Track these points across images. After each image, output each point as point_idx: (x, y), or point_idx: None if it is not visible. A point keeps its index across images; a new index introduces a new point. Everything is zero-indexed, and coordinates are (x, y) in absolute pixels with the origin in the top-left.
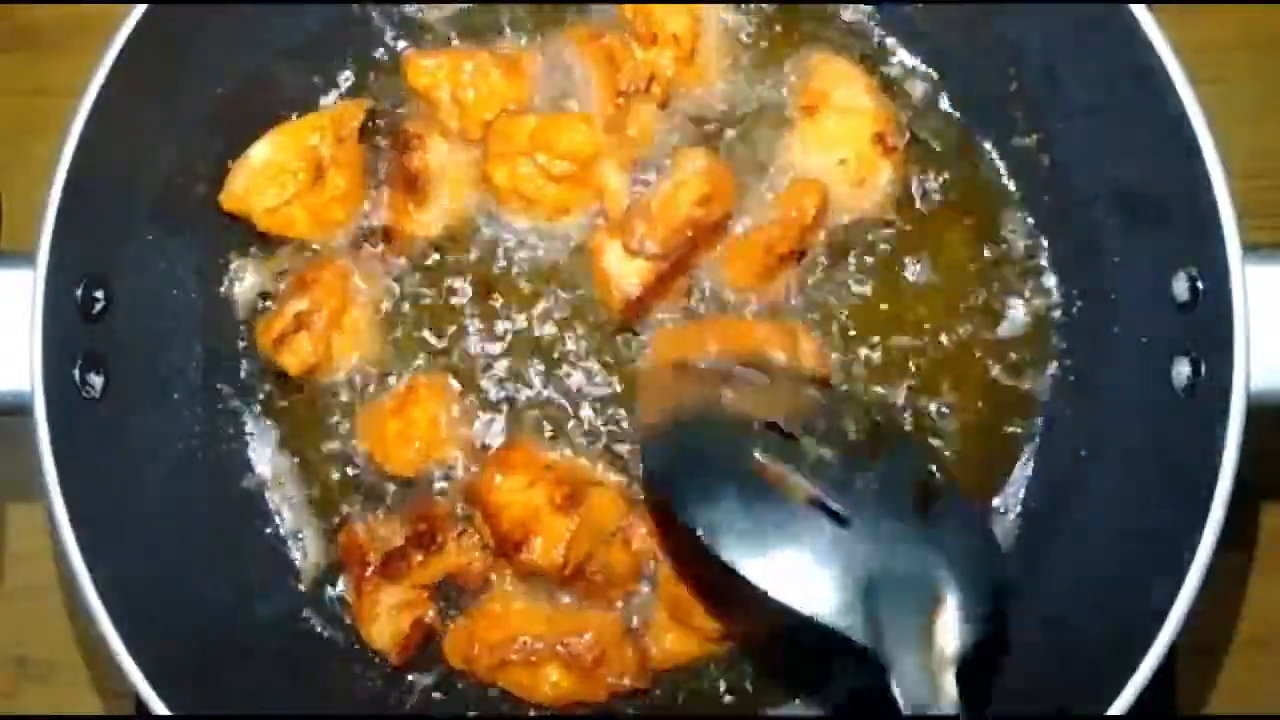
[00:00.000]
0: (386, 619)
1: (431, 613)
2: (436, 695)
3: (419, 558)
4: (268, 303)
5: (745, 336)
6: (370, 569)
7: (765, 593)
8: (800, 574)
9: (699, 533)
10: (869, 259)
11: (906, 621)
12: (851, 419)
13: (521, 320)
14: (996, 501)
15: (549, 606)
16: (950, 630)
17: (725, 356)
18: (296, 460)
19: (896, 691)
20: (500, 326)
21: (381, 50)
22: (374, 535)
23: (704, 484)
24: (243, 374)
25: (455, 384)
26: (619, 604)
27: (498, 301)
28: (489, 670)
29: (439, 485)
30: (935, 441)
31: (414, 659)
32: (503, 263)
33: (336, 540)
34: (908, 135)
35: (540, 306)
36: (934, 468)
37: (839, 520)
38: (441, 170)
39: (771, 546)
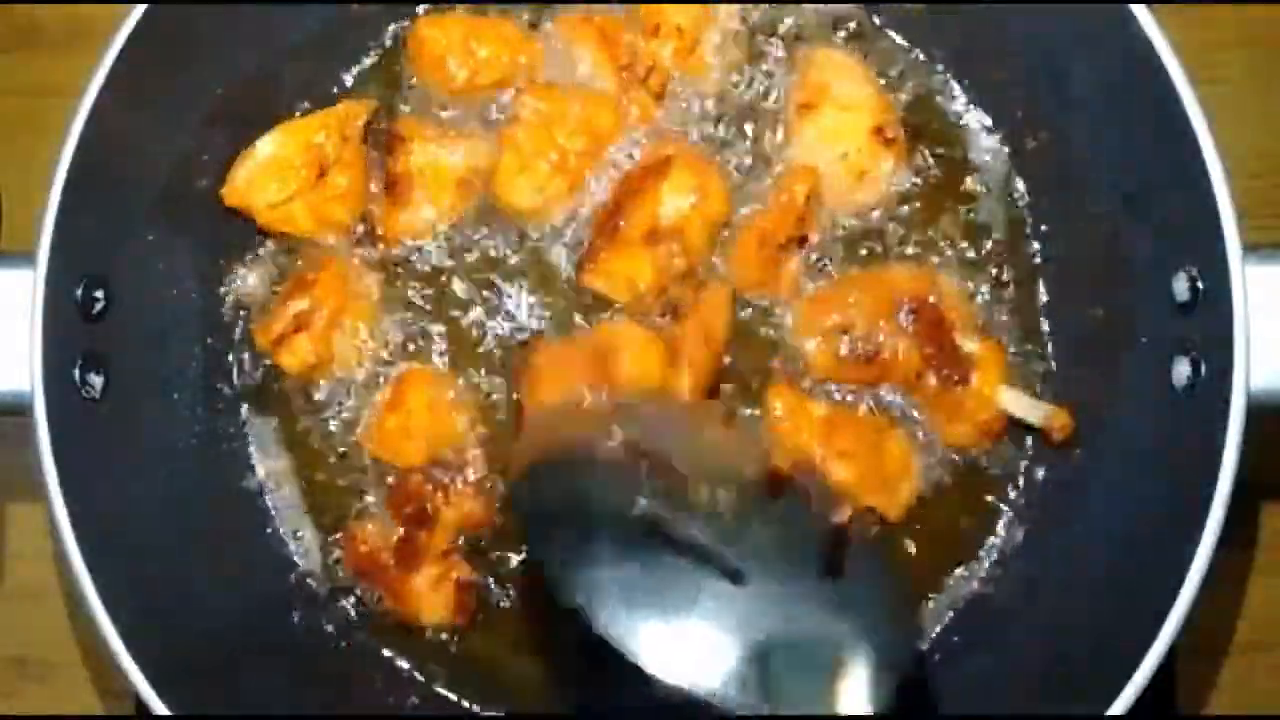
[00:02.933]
0: (431, 598)
1: (467, 569)
2: (437, 694)
3: (424, 535)
4: (268, 303)
5: (887, 285)
6: (391, 569)
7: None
8: (688, 645)
9: (575, 602)
10: (870, 254)
11: (806, 688)
12: (752, 458)
13: (520, 317)
14: (998, 502)
15: None
16: (853, 696)
17: (868, 312)
18: (297, 460)
19: None
20: (498, 325)
21: (382, 50)
22: (373, 539)
23: (579, 543)
24: (243, 374)
25: (445, 370)
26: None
27: (496, 301)
28: None
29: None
30: (934, 443)
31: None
32: (498, 261)
33: (342, 558)
34: (906, 131)
35: (539, 302)
36: (845, 516)
37: (732, 577)
38: (423, 172)
39: (654, 616)
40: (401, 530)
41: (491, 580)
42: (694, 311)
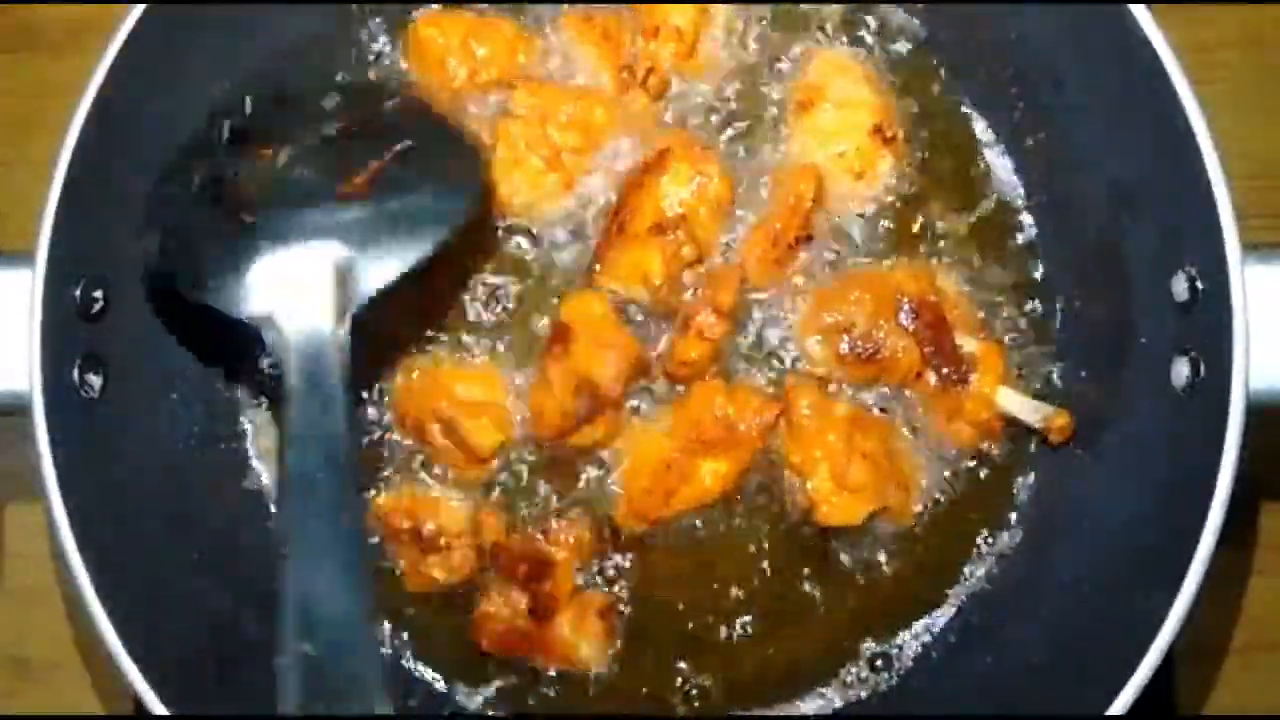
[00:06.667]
0: (582, 639)
1: (600, 595)
2: (440, 693)
3: (549, 586)
4: None
5: (887, 284)
6: (533, 633)
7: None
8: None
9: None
10: (869, 253)
11: (303, 289)
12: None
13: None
14: (998, 501)
15: (661, 423)
16: (347, 289)
17: (868, 311)
18: None
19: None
20: (499, 320)
21: (382, 50)
22: (502, 615)
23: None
24: (243, 374)
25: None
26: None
27: (498, 295)
28: (665, 510)
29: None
30: (934, 442)
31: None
32: (498, 260)
33: (481, 648)
34: (904, 129)
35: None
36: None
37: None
38: None
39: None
40: (527, 593)
41: (623, 589)
42: (704, 288)
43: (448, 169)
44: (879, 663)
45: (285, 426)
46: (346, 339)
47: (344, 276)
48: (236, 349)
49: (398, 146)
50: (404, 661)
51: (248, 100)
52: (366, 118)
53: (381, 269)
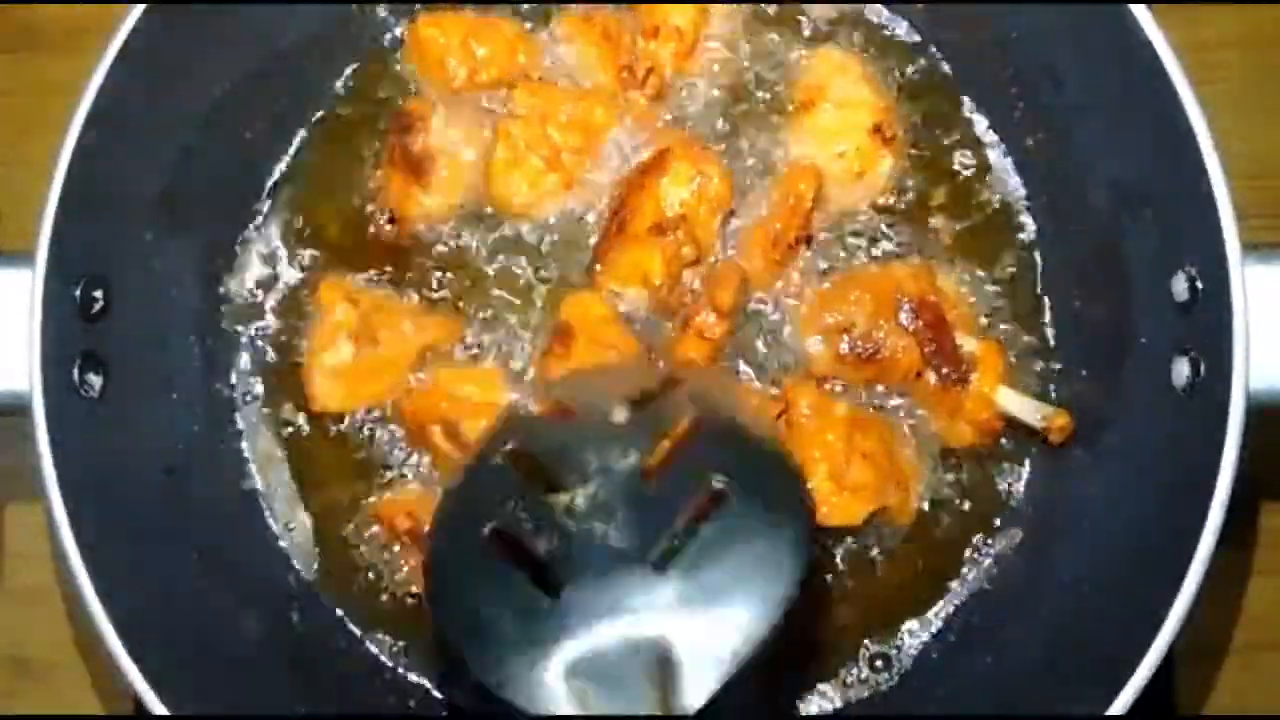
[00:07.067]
0: None
1: None
2: (437, 695)
3: None
4: (267, 302)
5: (887, 283)
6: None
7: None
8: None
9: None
10: (869, 253)
11: (619, 698)
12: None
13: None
14: (998, 501)
15: None
16: (673, 697)
17: (869, 311)
18: (295, 461)
19: None
20: (506, 317)
21: (382, 50)
22: (413, 508)
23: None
24: (241, 374)
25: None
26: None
27: (504, 292)
28: None
29: None
30: (934, 442)
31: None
32: (499, 258)
33: (387, 539)
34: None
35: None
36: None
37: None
38: (443, 150)
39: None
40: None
41: None
42: (704, 288)
43: (768, 499)
44: (879, 663)
45: None
46: None
47: (669, 666)
48: None
49: (714, 483)
50: (402, 662)
51: (531, 422)
52: (659, 440)
53: (714, 652)
